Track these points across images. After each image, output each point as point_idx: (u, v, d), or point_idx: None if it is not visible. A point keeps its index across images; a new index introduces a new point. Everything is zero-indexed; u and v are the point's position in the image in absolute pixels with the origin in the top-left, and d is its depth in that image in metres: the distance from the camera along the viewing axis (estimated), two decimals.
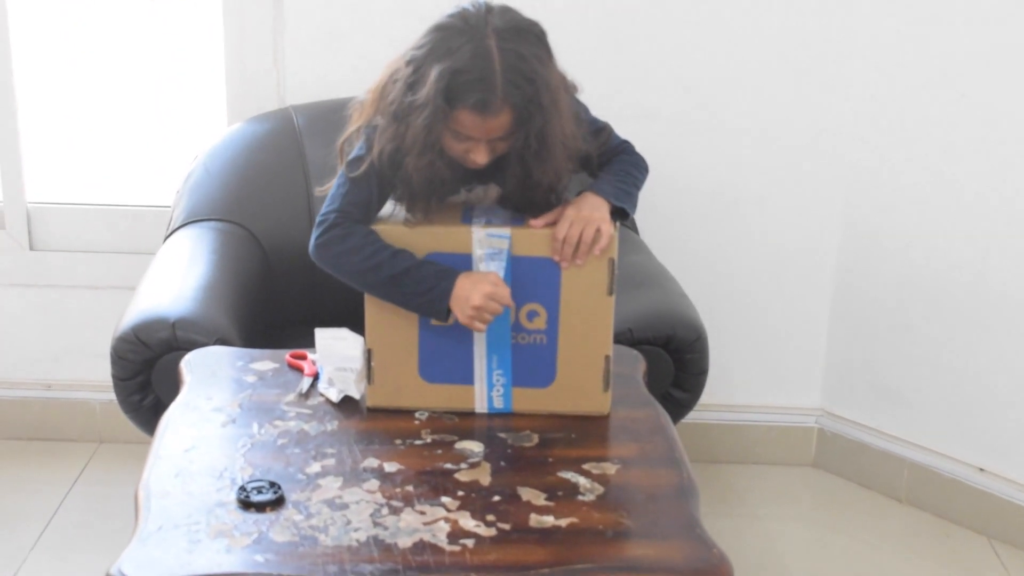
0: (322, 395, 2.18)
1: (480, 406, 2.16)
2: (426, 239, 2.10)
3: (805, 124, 3.20)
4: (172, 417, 2.10)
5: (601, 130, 2.25)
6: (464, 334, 2.12)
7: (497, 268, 2.08)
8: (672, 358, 2.55)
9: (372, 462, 1.98)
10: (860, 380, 3.33)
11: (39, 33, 3.29)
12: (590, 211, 2.09)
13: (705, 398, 2.70)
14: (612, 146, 2.26)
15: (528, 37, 2.03)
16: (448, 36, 2.01)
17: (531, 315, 2.12)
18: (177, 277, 2.63)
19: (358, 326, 2.28)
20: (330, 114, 3.01)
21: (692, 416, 2.75)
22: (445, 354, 2.14)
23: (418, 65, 2.03)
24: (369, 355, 2.15)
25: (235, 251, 2.78)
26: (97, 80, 3.37)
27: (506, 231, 2.08)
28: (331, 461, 1.98)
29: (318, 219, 2.13)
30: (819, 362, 3.38)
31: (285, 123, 3.01)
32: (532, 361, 2.14)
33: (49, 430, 3.43)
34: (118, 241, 3.30)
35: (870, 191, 3.19)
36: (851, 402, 3.36)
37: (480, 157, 2.06)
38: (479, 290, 2.05)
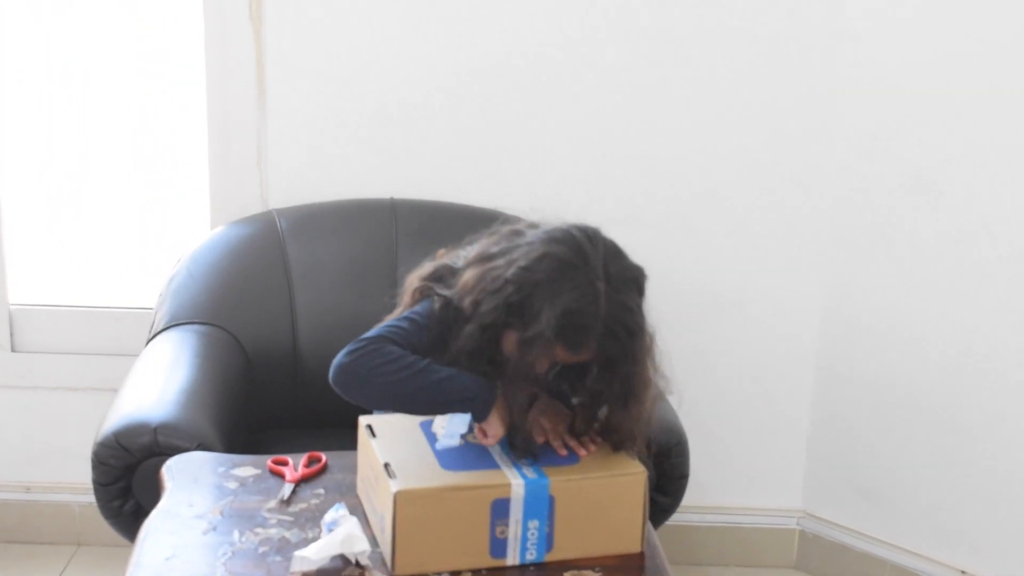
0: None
1: (514, 478, 2.01)
2: None
3: (782, 226, 3.23)
4: (153, 525, 2.09)
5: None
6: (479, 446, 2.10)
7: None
8: (653, 463, 2.55)
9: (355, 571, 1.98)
10: (841, 482, 3.33)
11: (18, 134, 3.32)
12: None
13: (686, 500, 2.70)
14: None
15: (632, 287, 2.07)
16: (563, 271, 2.01)
17: None
18: (159, 381, 2.62)
19: (339, 430, 2.27)
20: (312, 218, 3.05)
21: (673, 517, 2.74)
22: (461, 454, 2.08)
23: (525, 288, 2.02)
24: (387, 467, 2.03)
25: (217, 355, 2.78)
26: (80, 182, 3.38)
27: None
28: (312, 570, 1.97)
29: (352, 344, 2.07)
30: (800, 463, 3.39)
31: (268, 226, 3.03)
32: (554, 457, 2.10)
33: (28, 533, 3.40)
34: (100, 343, 3.30)
35: (848, 293, 3.22)
36: (832, 504, 3.36)
37: (543, 368, 2.09)
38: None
